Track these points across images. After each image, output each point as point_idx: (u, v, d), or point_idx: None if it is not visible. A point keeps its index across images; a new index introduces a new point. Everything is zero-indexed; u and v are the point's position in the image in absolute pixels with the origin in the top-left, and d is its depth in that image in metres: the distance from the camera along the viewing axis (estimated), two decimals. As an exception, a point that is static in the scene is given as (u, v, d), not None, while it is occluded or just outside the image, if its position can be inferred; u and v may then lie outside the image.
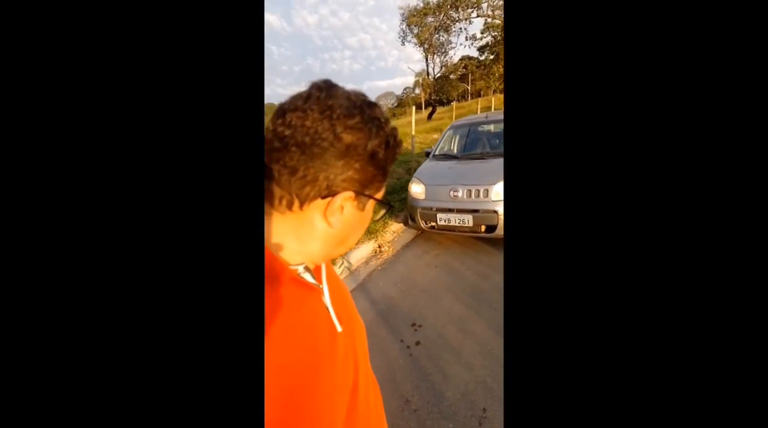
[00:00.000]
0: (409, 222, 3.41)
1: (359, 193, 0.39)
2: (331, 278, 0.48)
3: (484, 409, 1.62)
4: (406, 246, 3.47)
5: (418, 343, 2.10)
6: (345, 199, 0.39)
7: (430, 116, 19.27)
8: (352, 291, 2.76)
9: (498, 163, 3.21)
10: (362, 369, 0.48)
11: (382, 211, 0.48)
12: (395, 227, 3.77)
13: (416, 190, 3.34)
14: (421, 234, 3.67)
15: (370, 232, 3.57)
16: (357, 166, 0.37)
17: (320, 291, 0.43)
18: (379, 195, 0.42)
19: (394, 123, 0.42)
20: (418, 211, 3.24)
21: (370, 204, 0.42)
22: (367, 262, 3.24)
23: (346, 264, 3.12)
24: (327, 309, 0.43)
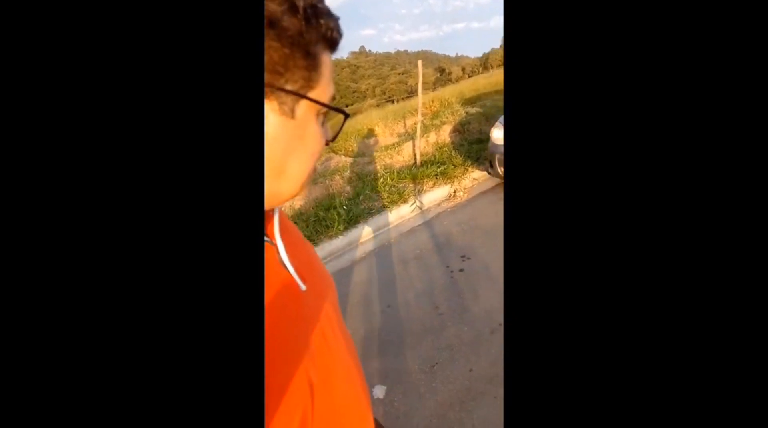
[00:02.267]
0: (489, 169, 3.44)
1: (273, 87, 0.28)
2: (287, 231, 0.41)
3: (500, 324, 1.81)
4: (483, 193, 3.55)
5: (461, 270, 2.33)
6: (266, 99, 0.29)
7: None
8: (417, 228, 3.07)
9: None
10: (334, 328, 0.43)
11: (336, 128, 0.36)
12: (477, 174, 3.84)
13: (497, 134, 3.32)
14: (503, 183, 3.68)
15: (448, 177, 3.73)
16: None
17: (273, 249, 0.37)
18: (314, 94, 0.31)
19: None
20: (497, 157, 3.25)
21: (306, 110, 0.31)
22: (439, 204, 3.47)
23: (418, 203, 3.41)
24: (285, 268, 0.37)
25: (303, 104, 0.31)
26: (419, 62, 4.16)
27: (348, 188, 3.89)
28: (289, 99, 0.30)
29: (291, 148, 0.31)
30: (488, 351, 1.70)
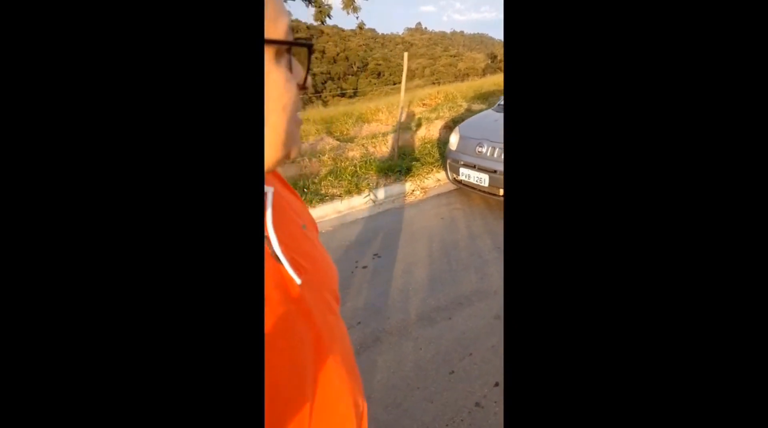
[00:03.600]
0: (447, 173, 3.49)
1: None
2: (282, 216, 0.37)
3: (358, 322, 1.97)
4: (439, 195, 3.60)
5: (365, 267, 2.48)
6: None
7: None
8: (358, 221, 3.22)
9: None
10: (330, 318, 0.39)
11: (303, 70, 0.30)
12: (442, 175, 3.87)
13: (452, 139, 3.35)
14: (460, 187, 3.72)
15: (413, 175, 3.81)
16: None
17: (265, 242, 0.34)
18: (272, 33, 0.26)
19: None
20: (448, 161, 3.29)
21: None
22: (393, 201, 3.57)
23: (372, 196, 3.53)
24: (278, 261, 0.34)
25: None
26: (405, 54, 4.15)
27: (322, 171, 4.07)
28: None
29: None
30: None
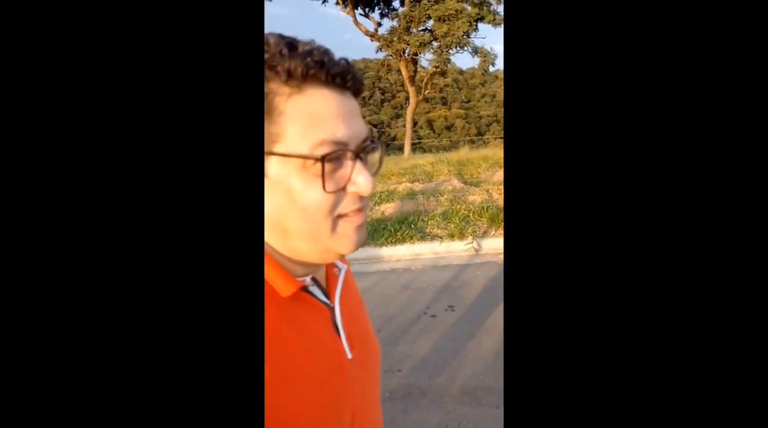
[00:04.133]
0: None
1: None
2: (348, 294, 0.41)
3: (399, 369, 1.86)
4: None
5: (433, 316, 2.34)
6: None
7: None
8: (449, 267, 3.07)
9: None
10: (368, 398, 0.40)
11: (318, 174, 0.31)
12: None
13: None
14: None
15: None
16: None
17: (328, 312, 0.37)
18: (286, 145, 0.30)
19: None
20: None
21: (279, 165, 0.30)
22: (498, 254, 3.28)
23: (474, 245, 3.33)
24: (337, 332, 0.37)
25: (273, 161, 0.30)
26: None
27: (438, 210, 4.10)
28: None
29: (278, 204, 0.31)
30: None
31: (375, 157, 0.36)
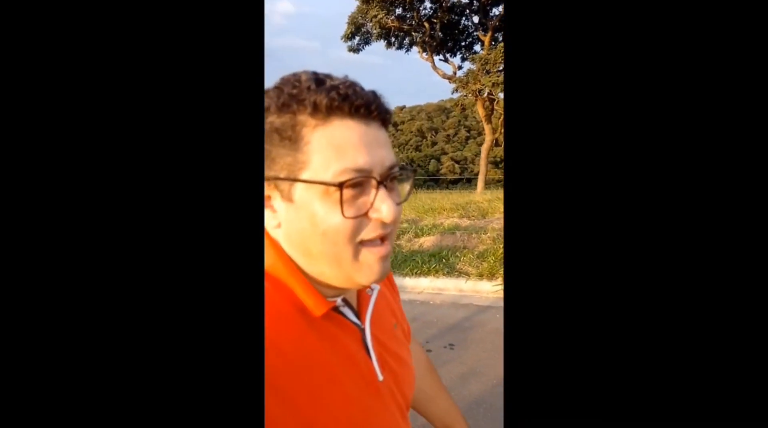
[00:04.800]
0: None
1: (268, 179, 0.33)
2: (380, 317, 0.42)
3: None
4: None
5: (429, 350, 2.29)
6: (267, 189, 0.34)
7: None
8: (469, 306, 2.96)
9: None
10: (398, 422, 0.40)
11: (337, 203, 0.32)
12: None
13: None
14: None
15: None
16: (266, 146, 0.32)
17: (359, 332, 0.38)
18: (311, 172, 0.32)
19: None
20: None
21: (305, 192, 0.33)
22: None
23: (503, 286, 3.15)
24: (368, 353, 0.38)
25: (299, 187, 0.32)
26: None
27: (479, 248, 4.00)
28: (285, 184, 0.33)
29: (302, 229, 0.33)
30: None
31: (404, 185, 0.38)
